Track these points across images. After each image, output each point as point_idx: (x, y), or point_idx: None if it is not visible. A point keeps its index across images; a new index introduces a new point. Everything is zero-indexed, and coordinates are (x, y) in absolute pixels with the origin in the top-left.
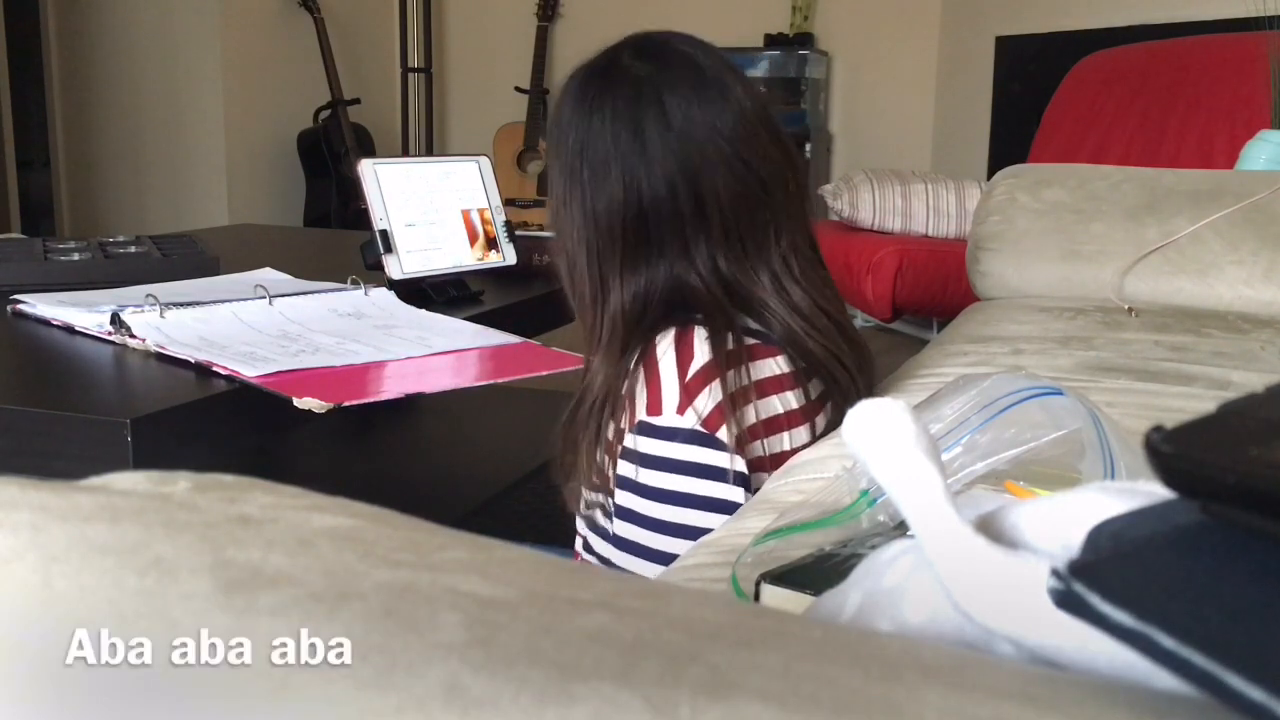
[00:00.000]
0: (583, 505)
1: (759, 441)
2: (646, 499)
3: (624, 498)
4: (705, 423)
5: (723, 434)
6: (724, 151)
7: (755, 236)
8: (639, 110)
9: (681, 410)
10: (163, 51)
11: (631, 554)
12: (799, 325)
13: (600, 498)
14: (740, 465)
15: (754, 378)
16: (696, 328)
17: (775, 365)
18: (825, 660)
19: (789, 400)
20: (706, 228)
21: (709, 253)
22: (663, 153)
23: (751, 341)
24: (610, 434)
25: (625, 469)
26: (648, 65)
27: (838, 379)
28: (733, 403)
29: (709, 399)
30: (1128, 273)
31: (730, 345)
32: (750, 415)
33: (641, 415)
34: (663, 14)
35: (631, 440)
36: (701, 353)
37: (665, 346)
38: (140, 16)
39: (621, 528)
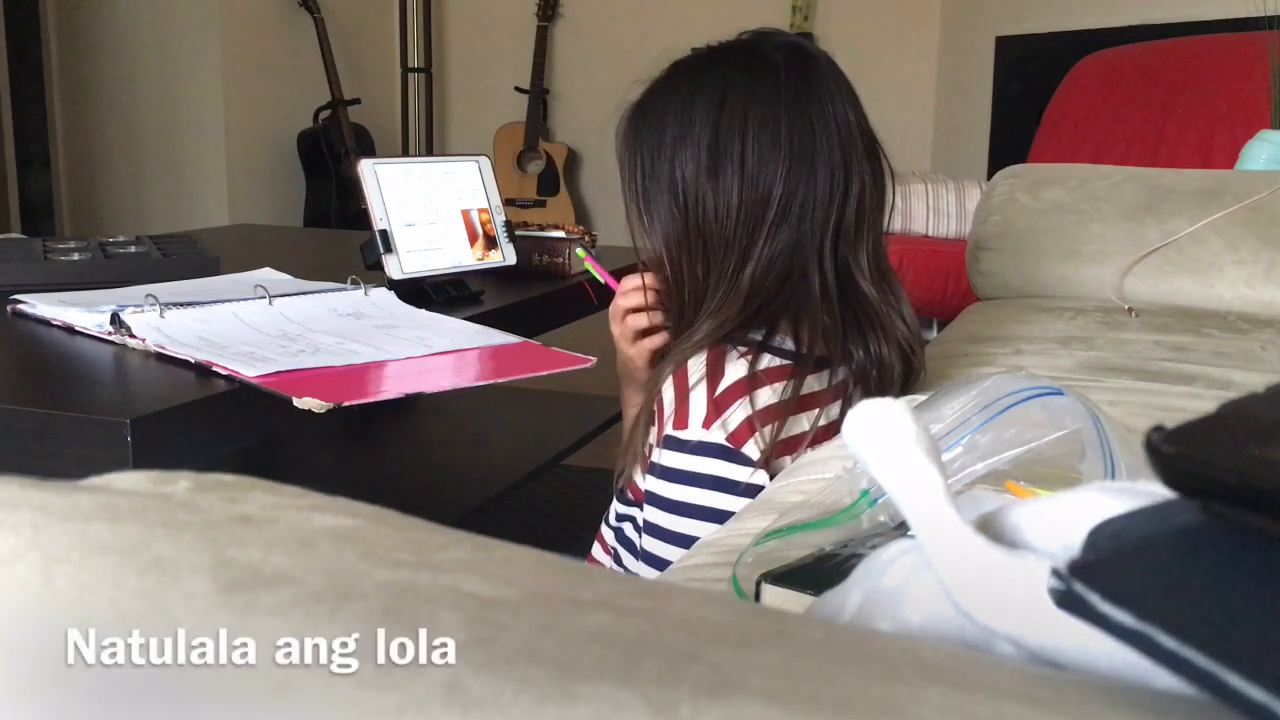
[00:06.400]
0: (613, 516)
1: (786, 458)
2: (668, 513)
3: (649, 512)
4: (731, 437)
5: (748, 449)
6: (870, 148)
7: (876, 235)
8: (808, 83)
9: (708, 424)
10: (162, 52)
11: (657, 570)
12: (903, 333)
13: (633, 511)
14: (762, 479)
15: (784, 396)
16: (730, 349)
17: (809, 384)
18: (826, 660)
19: (816, 418)
20: (842, 212)
21: (834, 238)
22: (823, 125)
23: (784, 362)
24: (645, 448)
25: (649, 483)
26: (796, 56)
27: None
28: (761, 419)
29: (737, 414)
30: (1128, 273)
31: (763, 365)
32: (780, 432)
33: (668, 430)
34: (663, 14)
35: (657, 454)
36: (733, 371)
37: (697, 364)
38: (140, 17)
39: (648, 543)
